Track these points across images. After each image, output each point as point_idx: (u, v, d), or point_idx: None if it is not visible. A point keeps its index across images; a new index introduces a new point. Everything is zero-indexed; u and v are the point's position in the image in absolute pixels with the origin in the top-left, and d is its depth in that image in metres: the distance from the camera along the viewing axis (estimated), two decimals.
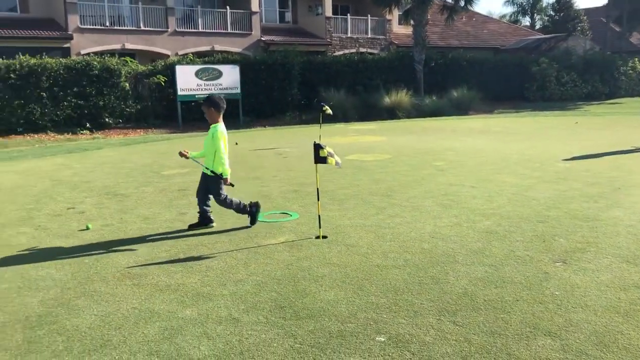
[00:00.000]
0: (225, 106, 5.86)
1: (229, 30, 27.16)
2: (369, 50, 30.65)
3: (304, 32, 30.41)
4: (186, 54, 24.36)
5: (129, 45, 24.49)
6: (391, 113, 22.76)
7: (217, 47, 26.38)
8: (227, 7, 27.10)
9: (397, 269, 4.51)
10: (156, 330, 3.54)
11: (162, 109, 20.81)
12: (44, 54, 19.29)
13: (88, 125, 18.99)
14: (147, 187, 8.51)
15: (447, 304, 3.82)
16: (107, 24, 24.32)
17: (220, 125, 5.77)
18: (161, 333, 3.50)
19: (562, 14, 42.04)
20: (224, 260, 4.86)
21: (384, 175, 8.92)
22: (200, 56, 23.54)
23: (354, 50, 29.74)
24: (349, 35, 30.74)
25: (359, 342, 3.32)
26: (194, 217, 6.31)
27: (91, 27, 23.71)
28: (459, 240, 5.25)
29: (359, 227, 5.85)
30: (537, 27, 47.77)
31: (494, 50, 34.51)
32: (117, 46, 24.16)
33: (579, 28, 40.94)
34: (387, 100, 23.15)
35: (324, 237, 5.47)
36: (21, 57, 18.13)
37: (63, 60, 18.98)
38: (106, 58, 19.67)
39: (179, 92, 19.87)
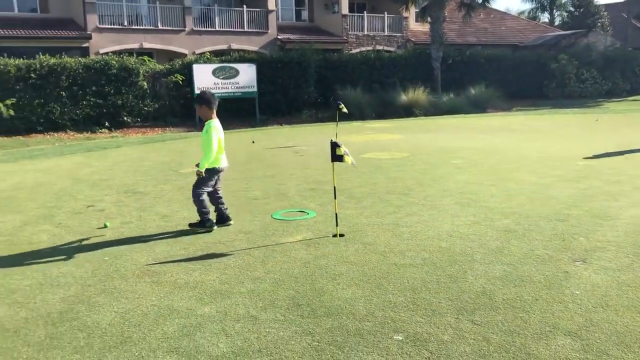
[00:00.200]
0: (216, 102, 5.81)
1: (246, 29, 27.23)
2: (386, 48, 30.52)
3: (320, 30, 30.39)
4: (203, 52, 24.48)
5: (146, 45, 24.68)
6: (408, 111, 22.66)
7: (234, 46, 26.47)
8: (244, 6, 27.17)
9: (414, 268, 4.50)
10: (175, 327, 3.57)
11: (180, 107, 20.95)
12: (64, 53, 19.55)
13: (107, 124, 19.19)
14: (165, 185, 8.58)
15: (465, 303, 3.79)
16: (125, 23, 24.53)
17: (214, 122, 5.74)
18: (180, 330, 3.53)
19: (581, 10, 41.43)
20: (242, 258, 4.88)
21: (401, 173, 8.88)
22: (217, 55, 23.67)
23: (370, 48, 29.63)
24: (366, 32, 30.64)
25: (377, 340, 3.31)
26: (210, 214, 6.35)
27: (109, 26, 23.93)
28: (477, 239, 5.22)
29: (376, 225, 5.83)
30: (557, 23, 47.17)
31: (513, 47, 34.14)
32: (135, 45, 24.35)
33: (599, 24, 40.31)
34: (404, 98, 23.05)
35: (341, 235, 5.47)
36: (41, 57, 18.37)
37: (82, 60, 19.19)
38: (124, 57, 19.84)
39: (196, 91, 19.94)
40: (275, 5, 28.21)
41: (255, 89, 21.12)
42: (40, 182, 9.17)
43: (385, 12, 31.19)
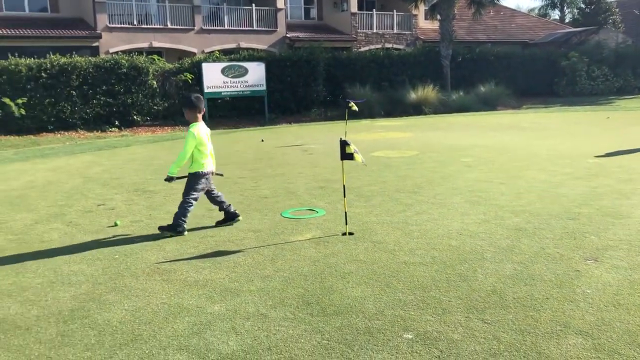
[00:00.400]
0: (201, 105, 5.73)
1: (255, 28, 27.27)
2: (395, 46, 30.45)
3: (329, 29, 30.38)
4: (212, 51, 24.57)
5: (156, 44, 24.79)
6: (417, 109, 22.61)
7: (243, 45, 26.52)
8: (253, 5, 27.21)
9: (424, 266, 4.49)
10: (185, 325, 3.59)
11: None
12: (74, 53, 19.67)
13: (117, 122, 19.30)
14: (175, 183, 8.58)
15: (475, 301, 3.78)
16: (135, 22, 24.65)
17: (197, 126, 5.67)
18: (190, 328, 3.54)
19: (592, 7, 41.11)
20: (251, 257, 4.89)
21: (410, 171, 8.86)
22: (226, 53, 23.74)
23: (379, 46, 29.57)
24: (375, 30, 30.59)
25: (387, 339, 3.31)
26: (220, 213, 6.38)
27: (119, 25, 24.06)
28: (487, 238, 5.20)
29: (385, 223, 5.82)
30: (567, 20, 46.86)
31: (523, 44, 33.96)
32: (145, 44, 24.47)
33: (610, 21, 39.99)
34: (413, 96, 23.00)
35: (351, 233, 5.47)
36: (52, 56, 18.50)
37: (92, 59, 19.30)
38: (134, 56, 19.93)
39: (206, 90, 20.04)
40: (284, 4, 28.23)
41: (264, 88, 21.15)
42: (51, 181, 9.24)
43: (395, 10, 31.12)
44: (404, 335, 3.34)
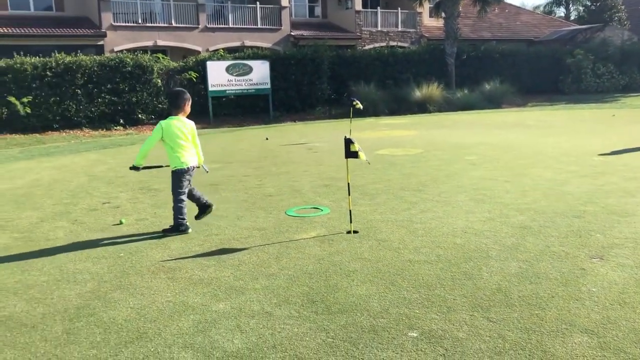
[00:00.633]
0: (179, 102, 5.74)
1: (259, 26, 27.28)
2: (400, 44, 30.39)
3: (333, 27, 30.34)
4: (217, 49, 24.59)
5: (160, 42, 24.82)
6: (422, 107, 22.58)
7: (247, 43, 26.53)
8: (257, 3, 27.21)
9: (429, 264, 4.48)
10: (190, 323, 3.59)
11: (194, 104, 20.87)
12: (79, 51, 19.71)
13: (121, 121, 19.34)
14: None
15: (480, 299, 3.77)
16: (140, 21, 24.68)
17: (170, 120, 5.65)
18: (195, 326, 3.55)
19: (598, 4, 40.92)
20: (256, 255, 4.90)
21: (415, 169, 8.85)
22: (231, 52, 23.74)
23: (384, 44, 29.53)
24: (379, 28, 30.54)
25: (391, 337, 3.30)
26: (225, 211, 6.39)
27: (124, 24, 24.10)
28: (492, 236, 5.19)
29: (390, 222, 5.82)
30: (572, 17, 46.63)
31: (528, 42, 33.84)
32: (149, 43, 24.51)
33: (616, 18, 39.80)
34: (417, 94, 22.96)
35: (355, 231, 5.46)
36: (57, 55, 18.55)
37: (97, 58, 19.35)
38: (139, 55, 19.97)
39: (210, 88, 20.08)
40: (289, 2, 28.22)
41: (268, 86, 21.17)
42: (56, 179, 9.27)
43: (399, 8, 31.07)
44: (409, 334, 3.33)
